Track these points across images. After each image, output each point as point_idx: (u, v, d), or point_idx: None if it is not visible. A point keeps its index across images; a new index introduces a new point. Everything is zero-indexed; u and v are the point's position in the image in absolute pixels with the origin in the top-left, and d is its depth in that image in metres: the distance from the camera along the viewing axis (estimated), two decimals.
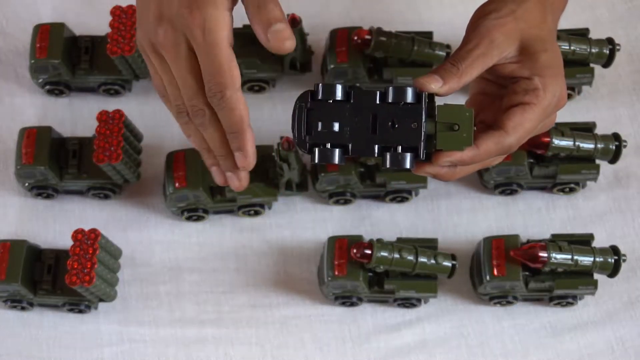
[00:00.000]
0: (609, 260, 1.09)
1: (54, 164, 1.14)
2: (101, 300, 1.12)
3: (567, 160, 1.14)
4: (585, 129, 1.15)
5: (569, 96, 1.20)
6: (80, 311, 1.13)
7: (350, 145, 0.82)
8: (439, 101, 0.84)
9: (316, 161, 0.82)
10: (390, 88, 0.82)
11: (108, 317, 1.14)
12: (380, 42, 1.15)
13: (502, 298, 1.13)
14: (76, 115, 1.21)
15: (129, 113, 1.15)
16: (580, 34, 1.18)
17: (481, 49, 0.87)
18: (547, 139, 1.11)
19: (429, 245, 1.11)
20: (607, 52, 1.17)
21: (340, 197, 1.17)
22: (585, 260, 1.09)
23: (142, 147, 1.18)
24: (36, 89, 1.21)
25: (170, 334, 1.13)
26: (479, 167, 0.90)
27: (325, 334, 1.14)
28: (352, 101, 0.82)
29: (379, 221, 1.18)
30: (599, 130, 1.15)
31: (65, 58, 1.17)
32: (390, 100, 0.82)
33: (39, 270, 1.11)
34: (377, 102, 0.82)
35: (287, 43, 0.83)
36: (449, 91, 0.85)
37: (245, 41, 1.12)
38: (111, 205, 1.18)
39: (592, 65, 1.18)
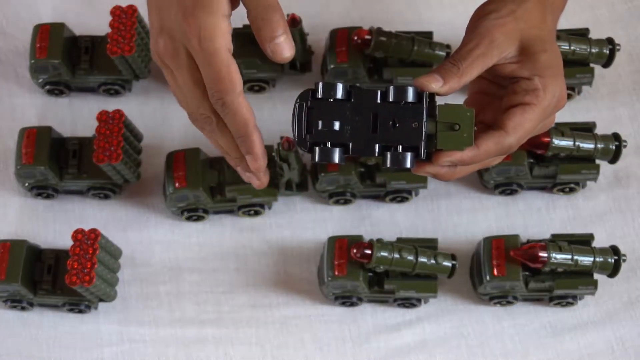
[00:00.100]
0: (609, 260, 1.09)
1: (54, 164, 1.14)
2: (101, 300, 1.12)
3: (567, 160, 1.14)
4: (585, 129, 1.15)
5: (569, 96, 1.20)
6: (80, 311, 1.13)
7: (350, 144, 0.82)
8: (439, 101, 0.84)
9: (316, 160, 0.82)
10: (391, 87, 0.82)
11: (108, 317, 1.14)
12: (380, 42, 1.15)
13: (502, 298, 1.13)
14: (76, 115, 1.21)
15: (129, 113, 1.15)
16: (580, 34, 1.18)
17: (481, 49, 0.87)
18: (547, 139, 1.11)
19: (429, 245, 1.11)
20: (607, 52, 1.17)
21: (340, 197, 1.17)
22: (585, 260, 1.09)
23: (142, 147, 1.18)
24: (36, 89, 1.21)
25: (170, 334, 1.13)
26: (478, 167, 0.91)
27: (325, 334, 1.14)
28: (352, 100, 0.82)
29: (379, 221, 1.18)
30: (599, 130, 1.15)
31: (65, 58, 1.17)
32: (391, 100, 0.82)
33: (39, 270, 1.11)
34: (378, 101, 0.83)
35: (286, 55, 0.83)
36: (450, 91, 0.85)
37: (245, 41, 1.13)
38: (111, 205, 1.18)
39: (592, 65, 1.18)
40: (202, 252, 1.17)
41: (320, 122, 0.82)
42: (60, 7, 1.24)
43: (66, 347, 1.12)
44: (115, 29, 1.13)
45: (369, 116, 0.82)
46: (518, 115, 0.87)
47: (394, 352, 1.13)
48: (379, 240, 1.09)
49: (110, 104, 1.20)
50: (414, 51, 1.15)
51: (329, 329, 1.14)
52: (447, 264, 1.09)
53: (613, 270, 1.10)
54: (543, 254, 1.08)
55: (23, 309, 1.13)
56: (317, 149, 0.82)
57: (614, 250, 1.10)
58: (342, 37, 1.17)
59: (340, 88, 0.82)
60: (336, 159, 0.82)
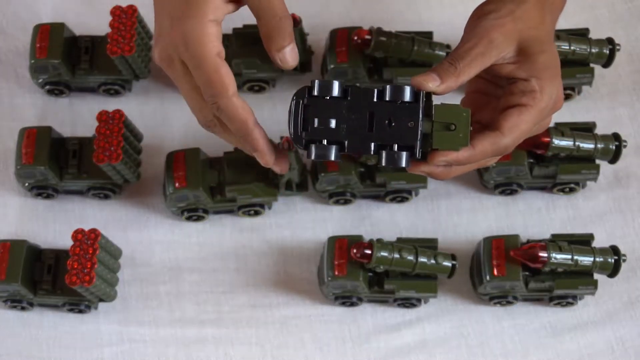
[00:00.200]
0: (609, 260, 1.09)
1: (54, 164, 1.14)
2: (101, 300, 1.12)
3: (567, 160, 1.14)
4: (585, 129, 1.15)
5: (569, 96, 1.20)
6: (80, 311, 1.13)
7: (346, 142, 0.82)
8: (435, 100, 0.84)
9: (312, 157, 0.83)
10: (388, 86, 0.82)
11: (108, 317, 1.14)
12: (380, 42, 1.15)
13: (502, 298, 1.13)
14: (76, 115, 1.21)
15: (129, 113, 1.15)
16: (580, 34, 1.18)
17: (480, 49, 0.87)
18: (547, 139, 1.11)
19: (429, 245, 1.11)
20: (607, 52, 1.17)
21: (340, 197, 1.17)
22: (585, 260, 1.09)
23: (142, 147, 1.18)
24: (36, 89, 1.21)
25: (170, 334, 1.13)
26: (474, 167, 0.90)
27: (325, 334, 1.14)
28: (349, 98, 0.82)
29: (379, 221, 1.18)
30: (599, 130, 1.15)
31: (65, 58, 1.17)
32: (387, 99, 0.82)
33: (39, 270, 1.11)
34: (375, 100, 0.82)
35: (294, 64, 0.84)
36: (447, 90, 0.85)
37: (245, 41, 1.13)
38: (111, 205, 1.18)
39: (592, 65, 1.18)
40: (202, 252, 1.17)
41: (316, 120, 0.82)
42: (60, 7, 1.24)
43: (66, 347, 1.13)
44: (115, 29, 1.13)
45: (365, 114, 0.82)
46: (514, 116, 0.86)
47: (394, 352, 1.13)
48: (379, 240, 1.09)
49: (110, 104, 1.20)
50: (414, 51, 1.15)
51: (329, 329, 1.14)
52: (447, 264, 1.09)
53: (613, 270, 1.10)
54: (543, 254, 1.08)
55: (23, 309, 1.13)
56: (313, 146, 0.82)
57: (614, 250, 1.10)
58: (342, 37, 1.17)
59: (336, 86, 0.82)
60: (332, 156, 0.82)
